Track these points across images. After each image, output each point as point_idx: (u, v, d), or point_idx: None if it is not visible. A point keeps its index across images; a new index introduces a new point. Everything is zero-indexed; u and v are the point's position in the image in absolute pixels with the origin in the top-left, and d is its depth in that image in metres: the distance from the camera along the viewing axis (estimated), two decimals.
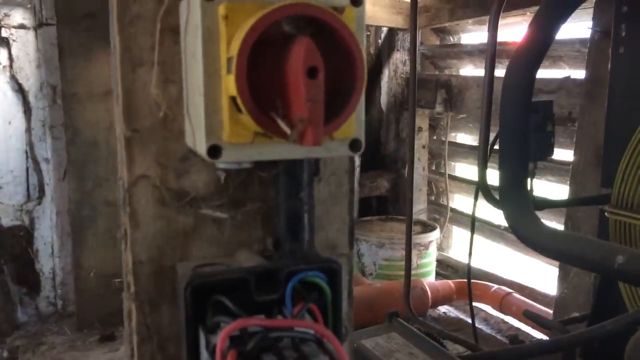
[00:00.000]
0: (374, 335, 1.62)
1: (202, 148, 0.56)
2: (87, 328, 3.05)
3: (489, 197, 1.79)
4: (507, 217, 1.68)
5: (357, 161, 3.64)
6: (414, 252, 2.99)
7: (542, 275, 3.02)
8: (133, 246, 0.65)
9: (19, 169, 3.02)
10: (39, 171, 3.05)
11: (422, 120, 3.64)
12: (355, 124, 0.59)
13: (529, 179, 1.70)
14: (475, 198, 2.00)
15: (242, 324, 0.56)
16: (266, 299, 0.62)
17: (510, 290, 2.76)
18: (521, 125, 1.62)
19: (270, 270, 0.63)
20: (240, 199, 0.68)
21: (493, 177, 1.79)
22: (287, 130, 0.52)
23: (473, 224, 2.01)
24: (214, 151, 0.55)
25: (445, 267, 3.49)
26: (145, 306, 0.66)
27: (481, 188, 1.83)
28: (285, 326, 0.58)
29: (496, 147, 1.81)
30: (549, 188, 2.82)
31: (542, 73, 2.30)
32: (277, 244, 0.67)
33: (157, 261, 0.66)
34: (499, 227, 3.19)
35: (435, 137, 3.72)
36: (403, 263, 2.95)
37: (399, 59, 3.74)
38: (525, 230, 1.49)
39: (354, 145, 0.60)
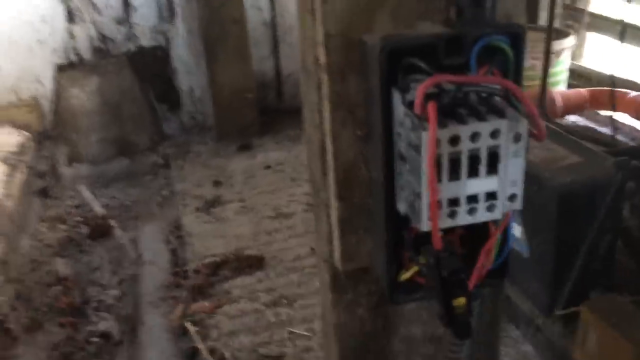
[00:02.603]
0: None
1: None
2: (226, 139, 3.36)
3: None
4: None
5: None
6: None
7: None
8: (324, 20, 0.70)
9: None
10: None
11: None
12: None
13: None
14: None
15: (437, 79, 0.61)
16: (453, 62, 0.66)
17: None
18: None
19: (455, 36, 0.66)
20: None
21: None
22: None
23: (624, 28, 1.84)
24: None
25: (577, 77, 3.30)
26: (336, 76, 0.73)
27: None
28: (475, 82, 0.63)
29: None
30: None
31: None
32: (460, 12, 0.69)
33: (345, 34, 0.71)
34: None
35: None
36: (530, 73, 2.84)
37: None
38: None
39: None
